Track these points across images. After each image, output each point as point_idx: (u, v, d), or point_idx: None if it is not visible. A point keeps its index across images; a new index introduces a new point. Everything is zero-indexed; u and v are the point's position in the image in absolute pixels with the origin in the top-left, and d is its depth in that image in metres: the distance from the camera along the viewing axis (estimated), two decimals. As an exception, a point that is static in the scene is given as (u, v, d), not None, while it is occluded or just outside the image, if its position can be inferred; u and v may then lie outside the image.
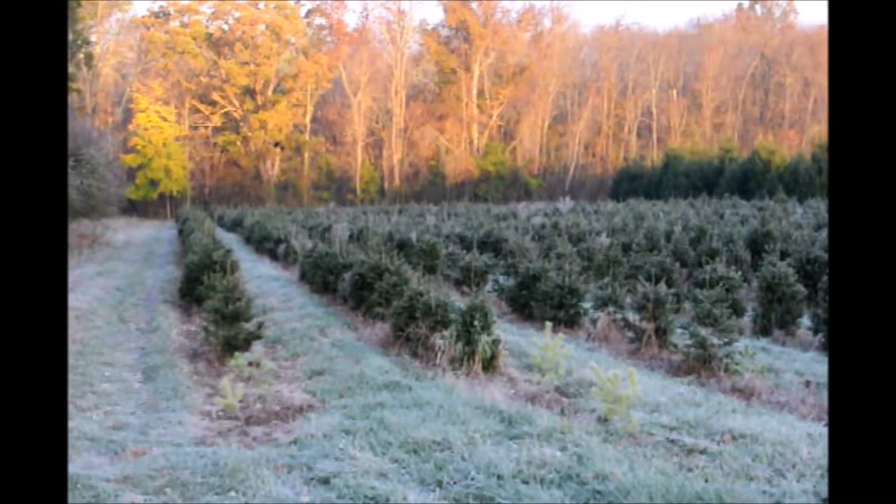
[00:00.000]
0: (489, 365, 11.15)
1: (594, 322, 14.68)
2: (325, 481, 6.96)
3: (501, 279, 20.14)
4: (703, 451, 7.71)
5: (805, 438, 8.03)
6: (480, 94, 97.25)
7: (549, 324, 11.92)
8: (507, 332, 13.61)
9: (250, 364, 12.01)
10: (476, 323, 11.31)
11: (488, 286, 19.76)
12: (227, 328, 12.83)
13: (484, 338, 11.20)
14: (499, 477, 6.91)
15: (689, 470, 7.18)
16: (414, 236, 27.54)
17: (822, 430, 8.49)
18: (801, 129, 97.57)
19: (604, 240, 25.01)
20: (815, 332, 14.30)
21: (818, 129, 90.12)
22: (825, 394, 10.20)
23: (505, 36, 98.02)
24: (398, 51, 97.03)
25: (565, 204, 55.95)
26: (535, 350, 11.53)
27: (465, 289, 18.38)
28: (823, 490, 6.70)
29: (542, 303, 15.91)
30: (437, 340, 11.70)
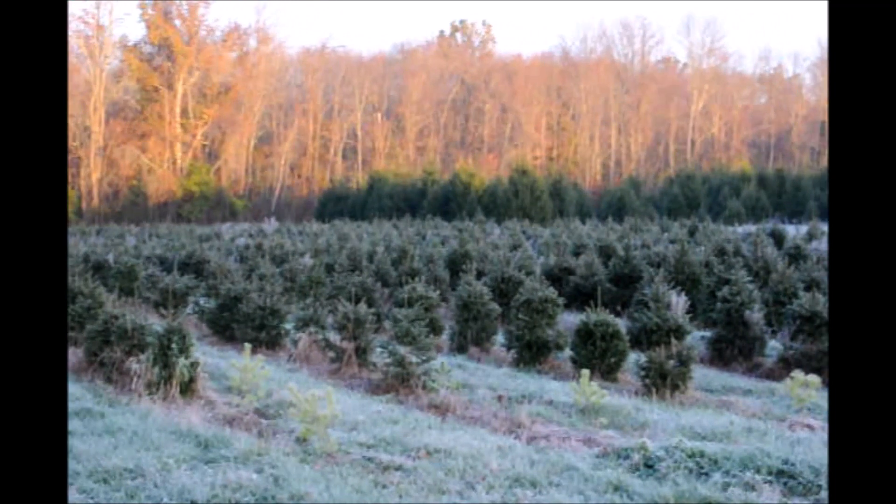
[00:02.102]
0: (187, 388, 10.92)
1: (296, 343, 14.68)
2: (6, 516, 6.60)
3: (203, 301, 19.78)
4: (398, 468, 7.85)
5: (495, 451, 8.34)
6: (184, 112, 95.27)
7: (248, 345, 11.82)
8: (207, 355, 13.40)
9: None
10: (174, 346, 11.06)
11: (189, 308, 19.37)
12: None
13: (182, 361, 10.96)
14: (192, 503, 6.78)
15: (385, 486, 7.30)
16: (111, 258, 26.61)
17: (511, 443, 8.85)
18: (500, 154, 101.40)
19: (307, 260, 25.03)
20: (509, 348, 14.88)
21: (515, 154, 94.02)
22: (516, 407, 10.63)
23: (210, 55, 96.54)
24: (97, 66, 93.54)
25: (270, 225, 55.66)
26: (235, 372, 11.40)
27: (165, 311, 17.92)
28: (511, 500, 6.98)
29: (243, 324, 15.76)
30: (133, 365, 11.35)
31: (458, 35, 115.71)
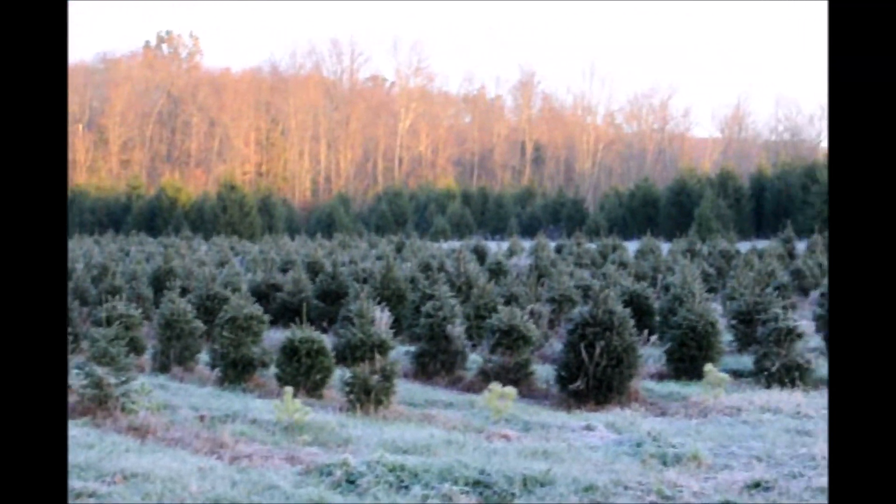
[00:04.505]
0: None
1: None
2: None
3: None
4: (92, 494, 7.54)
5: (196, 472, 8.17)
6: None
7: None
8: None
9: None
10: None
11: None
12: None
13: None
14: None
15: (76, 515, 7.01)
16: None
17: (213, 464, 8.70)
18: (208, 168, 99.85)
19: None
20: (213, 366, 14.65)
21: (223, 168, 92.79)
22: (219, 427, 10.47)
23: None
24: None
25: (-40, 240, 52.38)
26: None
27: None
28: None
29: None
30: None
31: (165, 46, 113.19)
